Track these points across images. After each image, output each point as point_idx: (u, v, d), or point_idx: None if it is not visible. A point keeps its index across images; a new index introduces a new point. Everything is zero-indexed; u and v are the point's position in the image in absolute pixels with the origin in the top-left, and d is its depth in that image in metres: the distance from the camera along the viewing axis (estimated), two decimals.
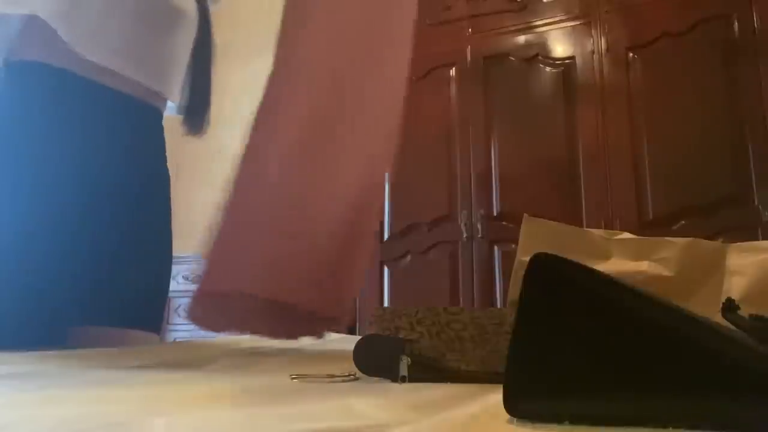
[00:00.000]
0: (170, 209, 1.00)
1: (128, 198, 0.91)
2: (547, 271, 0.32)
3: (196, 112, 1.01)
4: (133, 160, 0.92)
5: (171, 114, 1.02)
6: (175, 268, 4.02)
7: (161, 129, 0.99)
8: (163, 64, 0.95)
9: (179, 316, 3.34)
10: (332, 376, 0.51)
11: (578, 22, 2.60)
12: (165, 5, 0.93)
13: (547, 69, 2.64)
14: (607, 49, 2.52)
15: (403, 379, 0.49)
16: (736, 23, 2.32)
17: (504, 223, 2.58)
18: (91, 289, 0.87)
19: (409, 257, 2.75)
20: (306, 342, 0.84)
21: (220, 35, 1.21)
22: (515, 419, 0.31)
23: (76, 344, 0.82)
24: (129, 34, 0.89)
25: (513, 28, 2.72)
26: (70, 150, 0.85)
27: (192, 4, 0.98)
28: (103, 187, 0.88)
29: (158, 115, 0.98)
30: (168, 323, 3.33)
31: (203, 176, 4.06)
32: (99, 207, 0.88)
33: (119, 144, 0.90)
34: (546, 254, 0.32)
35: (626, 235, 0.65)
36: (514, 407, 0.31)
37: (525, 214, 0.66)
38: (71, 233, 0.85)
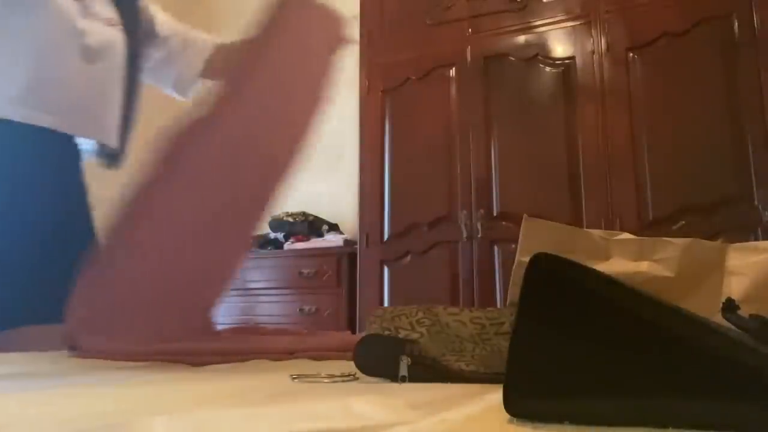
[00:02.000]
0: (88, 209, 1.08)
1: (46, 207, 0.99)
2: (547, 271, 0.32)
3: (114, 150, 1.10)
4: (44, 175, 1.01)
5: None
6: None
7: (74, 145, 1.06)
8: (90, 115, 1.04)
9: None
10: (332, 376, 0.51)
11: (578, 22, 2.60)
12: (80, 51, 1.00)
13: (547, 69, 2.64)
14: (607, 49, 2.52)
15: (403, 379, 0.49)
16: (736, 23, 2.32)
17: (504, 223, 2.58)
18: (16, 291, 0.93)
19: (409, 257, 2.75)
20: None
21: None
22: (515, 419, 0.31)
23: (15, 345, 0.87)
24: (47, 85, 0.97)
25: (513, 28, 2.72)
26: None
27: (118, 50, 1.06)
28: (22, 203, 0.96)
29: (70, 139, 1.05)
30: None
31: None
32: (18, 220, 0.95)
33: (27, 161, 0.98)
34: (546, 254, 0.32)
35: (626, 235, 0.65)
36: (514, 407, 0.31)
37: (525, 214, 0.66)
38: None
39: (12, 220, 0.94)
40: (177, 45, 1.19)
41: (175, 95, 1.22)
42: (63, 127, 1.01)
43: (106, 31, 1.03)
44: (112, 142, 1.07)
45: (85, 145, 1.08)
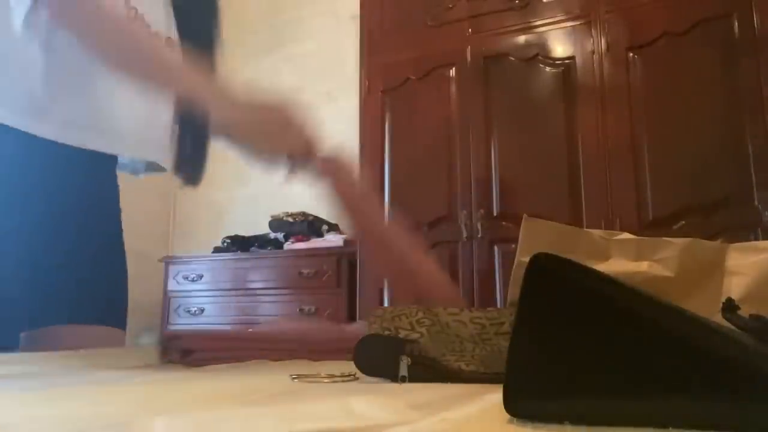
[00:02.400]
0: (120, 217, 1.09)
1: (77, 209, 0.99)
2: (547, 271, 0.32)
3: (188, 168, 1.10)
4: (84, 183, 1.01)
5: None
6: (174, 268, 4.06)
7: (114, 157, 1.06)
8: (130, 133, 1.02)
9: (179, 316, 3.34)
10: (332, 376, 0.51)
11: (578, 22, 2.60)
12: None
13: (547, 69, 2.64)
14: (607, 49, 2.53)
15: (403, 379, 0.49)
16: (736, 23, 2.32)
17: (504, 223, 2.58)
18: (48, 292, 0.93)
19: None
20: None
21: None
22: (515, 419, 0.31)
23: (40, 344, 0.90)
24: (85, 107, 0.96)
25: (513, 28, 2.72)
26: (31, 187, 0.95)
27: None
28: (53, 205, 0.96)
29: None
30: (168, 323, 3.33)
31: (203, 177, 4.06)
32: (49, 219, 0.96)
33: (70, 172, 0.98)
34: (546, 254, 0.32)
35: (626, 235, 0.65)
36: (514, 407, 0.31)
37: (525, 214, 0.65)
38: (26, 244, 0.93)
39: (45, 223, 0.95)
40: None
41: None
42: (117, 150, 1.02)
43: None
44: (166, 162, 1.07)
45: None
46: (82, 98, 0.95)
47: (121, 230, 1.09)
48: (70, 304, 0.95)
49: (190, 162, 1.09)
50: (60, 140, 0.93)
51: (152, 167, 1.11)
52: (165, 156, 1.07)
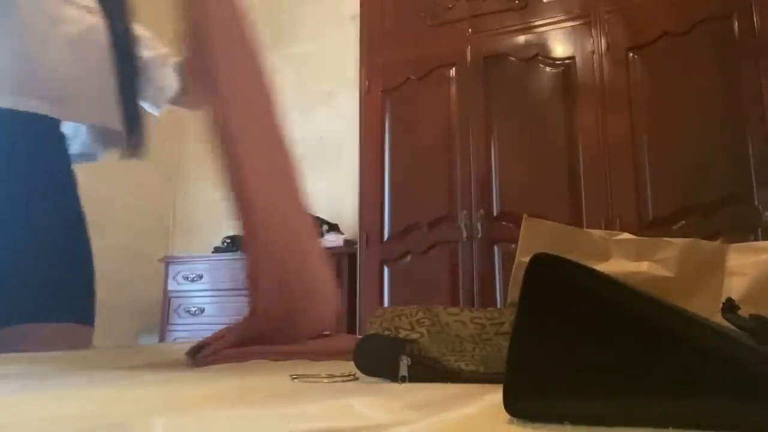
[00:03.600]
0: (80, 207, 1.02)
1: (32, 201, 0.93)
2: (547, 271, 0.32)
3: (130, 137, 1.04)
4: (33, 168, 0.95)
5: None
6: (175, 268, 4.05)
7: (60, 136, 1.01)
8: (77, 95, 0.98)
9: (179, 316, 3.34)
10: (332, 376, 0.51)
11: (578, 22, 2.60)
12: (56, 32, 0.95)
13: (547, 69, 2.64)
14: (607, 49, 2.53)
15: (403, 379, 0.49)
16: (736, 23, 2.32)
17: (504, 223, 2.58)
18: (10, 290, 0.89)
19: (409, 257, 2.75)
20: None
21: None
22: (515, 419, 0.31)
23: (7, 344, 0.85)
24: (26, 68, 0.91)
25: (513, 28, 2.72)
26: None
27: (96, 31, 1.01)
28: (4, 195, 0.91)
29: (55, 124, 1.00)
30: (168, 323, 3.33)
31: (203, 176, 4.06)
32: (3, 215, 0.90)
33: (16, 152, 0.93)
34: (546, 254, 0.32)
35: (626, 235, 0.65)
36: (514, 407, 0.31)
37: (525, 215, 0.66)
38: None
39: (4, 217, 0.90)
40: (159, 52, 1.12)
41: (150, 106, 1.15)
42: (59, 113, 0.96)
43: (87, 19, 0.99)
44: (116, 125, 1.01)
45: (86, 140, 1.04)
46: (11, 53, 0.90)
47: (82, 214, 1.01)
48: (26, 301, 0.89)
49: (130, 132, 1.03)
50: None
51: (106, 142, 1.04)
52: (114, 119, 1.00)
